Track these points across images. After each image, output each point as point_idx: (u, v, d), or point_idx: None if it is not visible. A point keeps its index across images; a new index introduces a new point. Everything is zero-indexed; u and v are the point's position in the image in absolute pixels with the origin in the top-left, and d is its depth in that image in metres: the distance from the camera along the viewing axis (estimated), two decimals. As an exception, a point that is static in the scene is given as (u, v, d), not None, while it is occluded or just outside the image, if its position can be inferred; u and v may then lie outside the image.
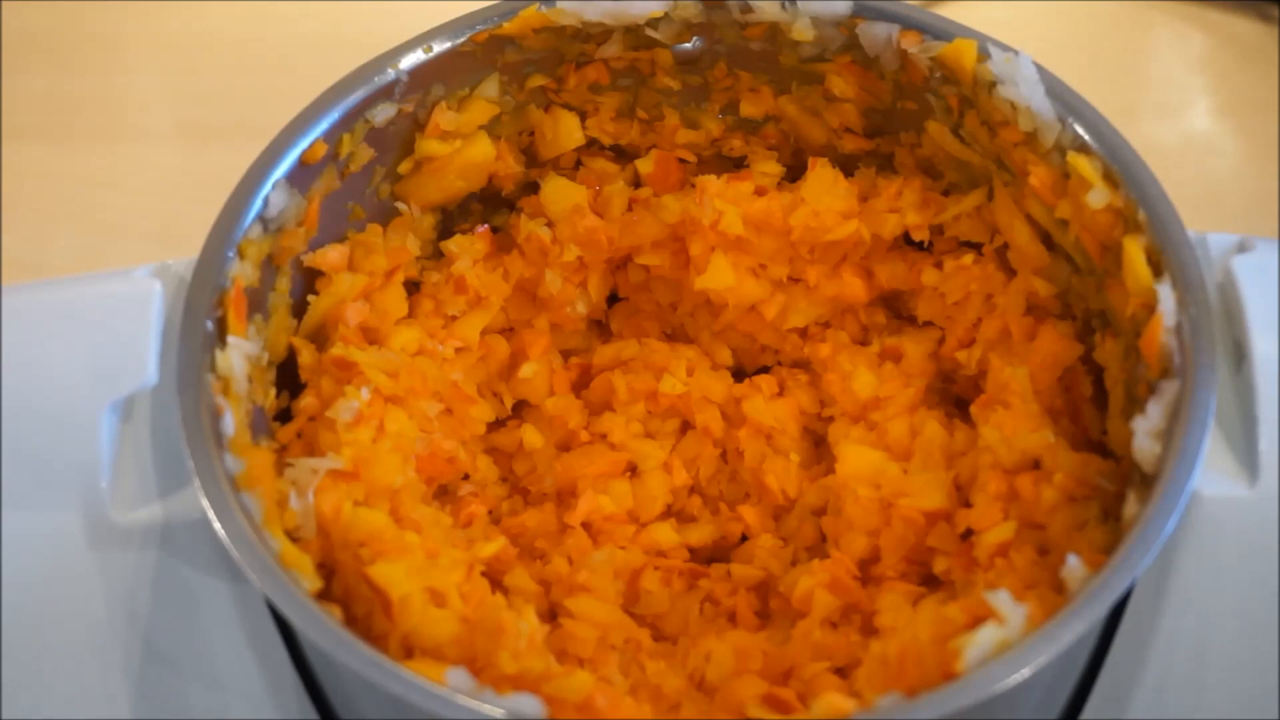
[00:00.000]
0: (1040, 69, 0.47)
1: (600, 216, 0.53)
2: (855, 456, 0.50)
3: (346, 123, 0.49)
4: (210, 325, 0.44)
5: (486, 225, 0.54)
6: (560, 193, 0.53)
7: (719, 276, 0.52)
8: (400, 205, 0.52)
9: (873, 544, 0.49)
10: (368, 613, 0.43)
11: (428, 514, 0.48)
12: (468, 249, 0.52)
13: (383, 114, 0.49)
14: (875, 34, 0.50)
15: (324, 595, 0.43)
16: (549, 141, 0.54)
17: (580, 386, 0.56)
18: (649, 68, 0.53)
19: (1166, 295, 0.43)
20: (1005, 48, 0.48)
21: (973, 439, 0.49)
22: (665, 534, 0.52)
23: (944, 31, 0.49)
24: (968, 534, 0.47)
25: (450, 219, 0.54)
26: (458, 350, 0.52)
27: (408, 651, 0.42)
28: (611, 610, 0.49)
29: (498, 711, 0.38)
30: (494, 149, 0.53)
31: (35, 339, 0.47)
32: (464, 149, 0.52)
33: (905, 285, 0.53)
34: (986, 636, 0.39)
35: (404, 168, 0.51)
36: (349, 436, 0.46)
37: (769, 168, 0.54)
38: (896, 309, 0.55)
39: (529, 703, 0.39)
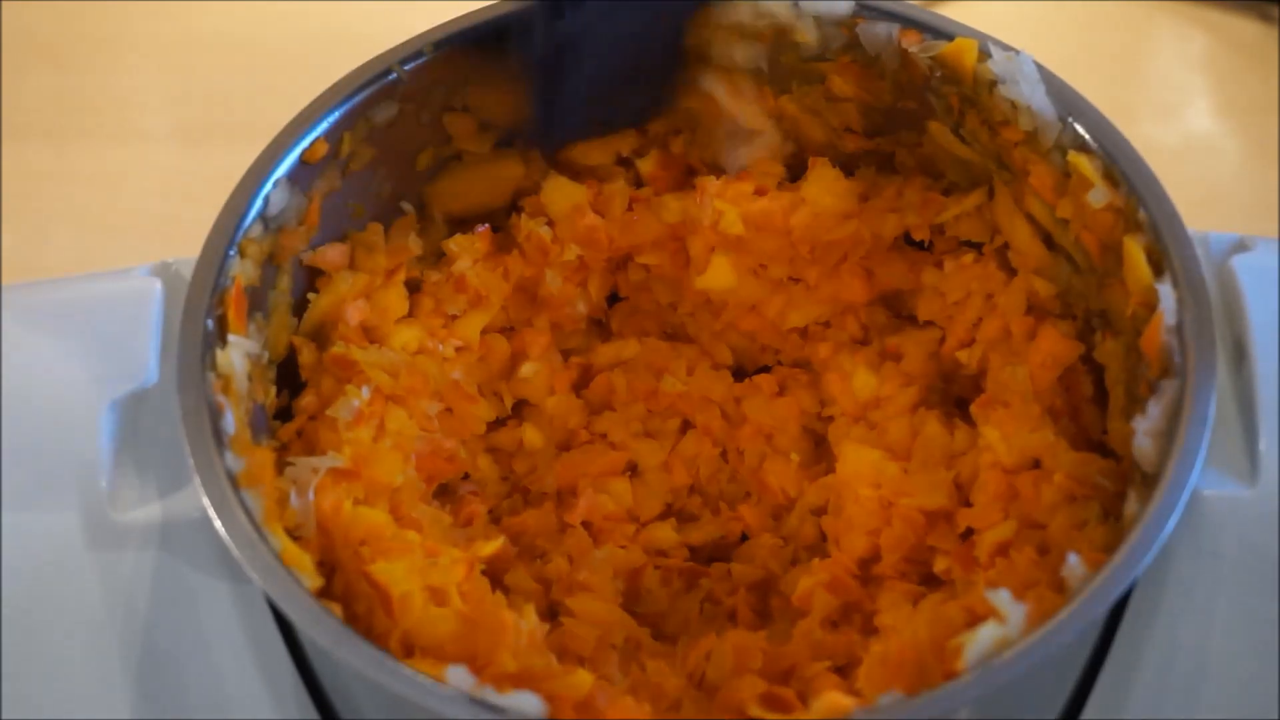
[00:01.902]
0: (1041, 68, 0.47)
1: (601, 216, 0.53)
2: (855, 456, 0.50)
3: (347, 122, 0.48)
4: (210, 325, 0.44)
5: (487, 225, 0.54)
6: (561, 192, 0.53)
7: (719, 277, 0.52)
8: (405, 205, 0.52)
9: (873, 543, 0.49)
10: (368, 611, 0.43)
11: (428, 512, 0.48)
12: (468, 248, 0.52)
13: (383, 113, 0.49)
14: (875, 33, 0.50)
15: (324, 593, 0.43)
16: None
17: (580, 386, 0.55)
18: None
19: (1167, 294, 0.43)
20: (1006, 47, 0.48)
21: (973, 439, 0.49)
22: (665, 533, 0.52)
23: (944, 31, 0.49)
24: (968, 533, 0.47)
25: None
26: (458, 349, 0.52)
27: (408, 650, 0.42)
28: (611, 609, 0.49)
29: (495, 709, 0.38)
30: (523, 167, 0.53)
31: (35, 339, 0.47)
32: (493, 159, 0.53)
33: (905, 285, 0.53)
34: (986, 635, 0.39)
35: (425, 168, 0.52)
36: (349, 435, 0.46)
37: (769, 168, 0.54)
38: (897, 309, 0.55)
39: (529, 701, 0.39)
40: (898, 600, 0.47)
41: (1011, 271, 0.51)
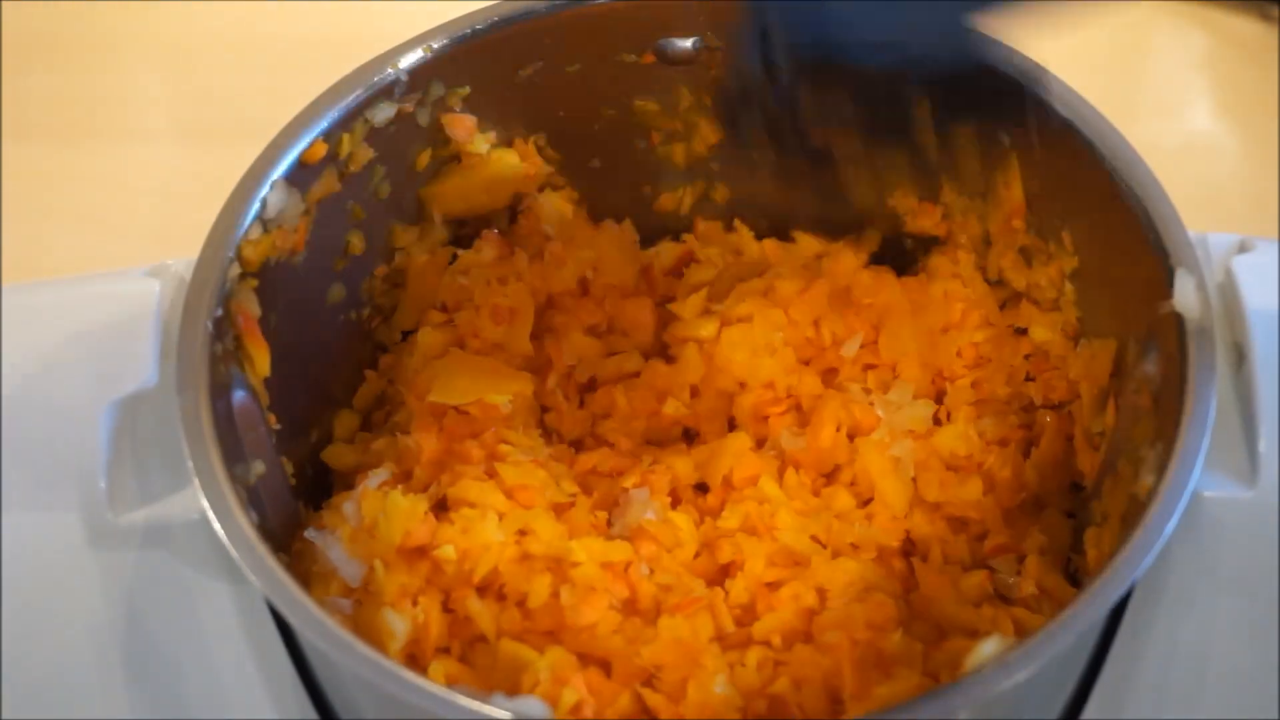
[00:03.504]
0: (1042, 69, 0.47)
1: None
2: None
3: (346, 123, 0.49)
4: (210, 325, 0.44)
5: (495, 230, 0.54)
6: (554, 204, 0.53)
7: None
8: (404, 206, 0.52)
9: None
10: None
11: None
12: (475, 260, 0.52)
13: (382, 114, 0.49)
14: None
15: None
16: None
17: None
18: None
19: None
20: None
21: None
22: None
23: None
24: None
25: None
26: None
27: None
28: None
29: (499, 712, 0.38)
30: (521, 165, 0.53)
31: (35, 339, 0.47)
32: (492, 160, 0.53)
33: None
34: (989, 649, 0.39)
35: (424, 169, 0.52)
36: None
37: None
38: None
39: (532, 703, 0.39)
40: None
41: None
